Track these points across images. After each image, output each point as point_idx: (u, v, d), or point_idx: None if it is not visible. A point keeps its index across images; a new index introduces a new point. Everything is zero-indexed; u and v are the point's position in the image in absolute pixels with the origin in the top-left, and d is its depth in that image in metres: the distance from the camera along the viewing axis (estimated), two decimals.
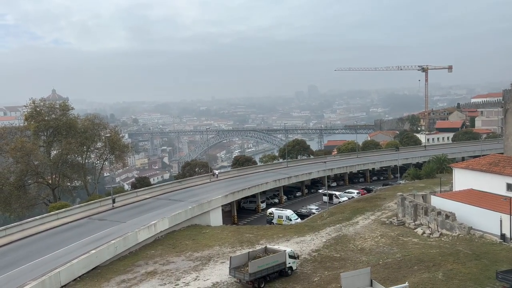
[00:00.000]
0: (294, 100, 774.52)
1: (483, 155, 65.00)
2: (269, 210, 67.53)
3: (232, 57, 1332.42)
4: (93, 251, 40.19)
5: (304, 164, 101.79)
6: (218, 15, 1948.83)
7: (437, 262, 33.95)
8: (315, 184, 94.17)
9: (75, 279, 37.10)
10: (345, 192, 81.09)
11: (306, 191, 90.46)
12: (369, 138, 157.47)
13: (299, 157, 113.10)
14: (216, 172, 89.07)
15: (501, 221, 39.17)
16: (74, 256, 39.56)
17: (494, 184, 44.50)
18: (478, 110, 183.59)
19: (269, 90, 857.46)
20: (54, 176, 76.63)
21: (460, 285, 29.14)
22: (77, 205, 64.27)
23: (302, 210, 71.13)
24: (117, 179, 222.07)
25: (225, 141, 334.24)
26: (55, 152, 79.68)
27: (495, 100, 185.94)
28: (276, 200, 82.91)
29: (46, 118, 77.66)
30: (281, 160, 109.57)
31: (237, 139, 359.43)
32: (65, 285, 35.88)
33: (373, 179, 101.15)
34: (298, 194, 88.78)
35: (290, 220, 62.66)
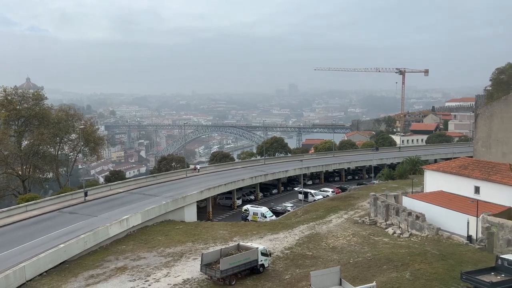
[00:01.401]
0: (275, 97, 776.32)
1: (454, 158, 66.77)
2: (245, 207, 67.61)
3: (214, 52, 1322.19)
4: (62, 245, 39.29)
5: (281, 161, 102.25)
6: (202, 9, 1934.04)
7: (406, 261, 34.61)
8: (291, 182, 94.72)
9: (41, 274, 36.24)
10: (320, 191, 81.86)
11: (282, 188, 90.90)
12: (346, 138, 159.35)
13: (276, 154, 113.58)
14: (198, 166, 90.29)
15: (468, 222, 40.26)
16: (41, 250, 38.64)
17: (462, 186, 45.67)
18: (451, 113, 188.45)
19: (250, 87, 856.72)
20: (24, 167, 74.57)
21: (426, 284, 29.79)
22: (47, 198, 62.74)
23: (277, 207, 71.53)
24: (92, 172, 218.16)
25: (204, 136, 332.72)
26: (26, 142, 77.51)
27: (468, 105, 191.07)
28: (252, 197, 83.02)
29: (18, 107, 75.38)
30: (258, 157, 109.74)
31: (216, 134, 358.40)
32: (30, 280, 34.99)
33: (348, 178, 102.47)
34: (274, 191, 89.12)
35: (265, 217, 62.88)
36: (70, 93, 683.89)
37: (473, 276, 28.27)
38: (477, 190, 44.25)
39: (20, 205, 56.00)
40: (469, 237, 40.17)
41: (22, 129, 76.20)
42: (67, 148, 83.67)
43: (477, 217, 39.21)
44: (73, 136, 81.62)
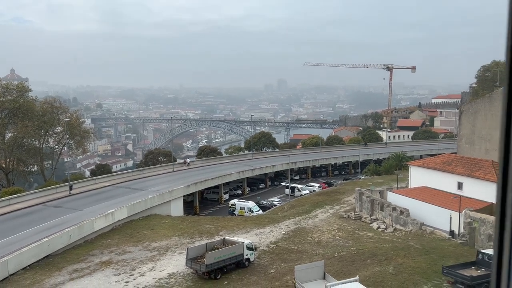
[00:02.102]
0: (263, 92, 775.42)
1: (439, 154, 67.73)
2: (232, 202, 67.65)
3: (203, 45, 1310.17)
4: (45, 239, 38.89)
5: (269, 156, 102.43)
6: (191, 2, 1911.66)
7: (389, 256, 35.13)
8: (278, 176, 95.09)
9: (24, 268, 35.86)
10: (307, 186, 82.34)
11: (269, 183, 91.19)
12: (333, 133, 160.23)
13: (264, 149, 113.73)
14: (188, 160, 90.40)
15: (450, 218, 40.99)
16: (24, 244, 38.18)
17: (446, 182, 46.38)
18: (437, 110, 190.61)
19: (239, 81, 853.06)
20: (8, 160, 73.41)
21: (408, 278, 30.32)
22: (31, 191, 61.97)
23: (264, 202, 71.79)
24: (78, 165, 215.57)
25: (192, 130, 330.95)
26: (10, 135, 76.29)
27: (454, 102, 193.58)
28: (239, 192, 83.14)
29: (1, 98, 74.04)
30: (246, 152, 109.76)
31: (204, 129, 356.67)
32: (13, 274, 34.61)
33: (334, 173, 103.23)
34: (262, 186, 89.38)
35: (252, 211, 63.01)
36: (56, 86, 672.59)
37: (454, 270, 28.84)
38: (460, 186, 44.98)
39: (3, 198, 55.14)
40: (451, 232, 40.91)
41: (6, 121, 74.98)
42: (52, 141, 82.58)
43: (459, 212, 39.92)
44: (58, 129, 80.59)
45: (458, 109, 77.39)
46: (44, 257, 38.37)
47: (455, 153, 56.34)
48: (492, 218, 37.18)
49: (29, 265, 36.53)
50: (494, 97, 52.17)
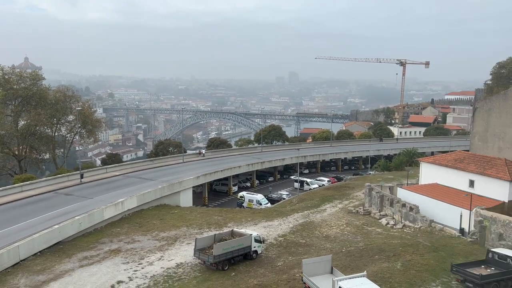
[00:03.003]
0: (275, 85, 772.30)
1: (451, 151, 66.89)
2: (240, 194, 67.86)
3: (215, 37, 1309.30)
4: (56, 226, 39.41)
5: (279, 150, 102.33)
6: None
7: (397, 252, 34.91)
8: (287, 170, 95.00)
9: (35, 254, 36.43)
10: (316, 180, 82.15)
11: (278, 176, 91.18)
12: (344, 128, 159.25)
13: (274, 142, 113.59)
14: (203, 151, 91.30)
15: (461, 215, 40.53)
16: (35, 230, 38.76)
17: (458, 179, 45.82)
18: (450, 106, 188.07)
19: (250, 73, 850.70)
20: (21, 147, 74.36)
21: (416, 275, 30.11)
22: (43, 178, 62.76)
23: (273, 195, 71.83)
24: (89, 154, 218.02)
25: (202, 122, 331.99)
26: (23, 122, 77.17)
27: (467, 98, 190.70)
28: (248, 184, 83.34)
29: (15, 86, 74.81)
30: (256, 145, 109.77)
31: (215, 120, 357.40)
32: (24, 260, 35.20)
33: (344, 168, 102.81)
34: (271, 179, 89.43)
35: (260, 204, 63.15)
36: (69, 74, 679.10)
37: (463, 268, 28.57)
38: (471, 183, 44.43)
39: (16, 185, 56.00)
40: (461, 230, 40.48)
41: (19, 109, 75.76)
42: (64, 129, 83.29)
43: (470, 210, 39.46)
44: (71, 117, 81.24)
45: (471, 106, 76.21)
46: (55, 244, 38.92)
47: (468, 151, 55.59)
48: (503, 217, 36.67)
49: (40, 251, 37.11)
50: (509, 94, 51.17)
